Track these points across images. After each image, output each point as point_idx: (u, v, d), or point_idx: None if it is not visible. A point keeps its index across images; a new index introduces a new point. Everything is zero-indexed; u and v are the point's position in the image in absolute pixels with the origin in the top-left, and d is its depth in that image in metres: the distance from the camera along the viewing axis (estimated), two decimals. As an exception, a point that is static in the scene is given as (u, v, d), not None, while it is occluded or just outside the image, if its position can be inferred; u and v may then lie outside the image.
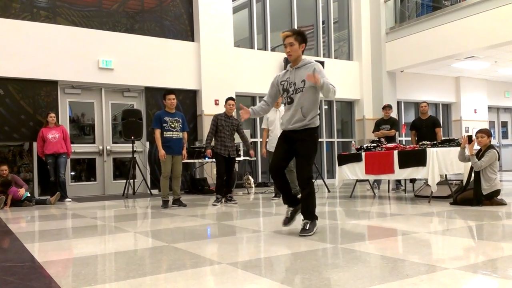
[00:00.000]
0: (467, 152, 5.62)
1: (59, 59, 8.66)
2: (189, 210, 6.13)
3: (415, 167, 6.21)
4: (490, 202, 5.44)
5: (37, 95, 8.59)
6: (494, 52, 10.83)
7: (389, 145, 6.95)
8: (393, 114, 9.89)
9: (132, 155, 8.73)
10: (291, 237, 3.73)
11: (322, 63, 4.02)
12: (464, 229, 3.92)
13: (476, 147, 5.63)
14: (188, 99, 10.09)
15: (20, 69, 8.34)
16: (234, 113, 7.23)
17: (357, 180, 7.45)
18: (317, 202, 4.19)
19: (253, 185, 9.51)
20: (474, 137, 5.68)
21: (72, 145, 8.50)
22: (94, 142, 9.30)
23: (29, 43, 8.41)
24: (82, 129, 9.36)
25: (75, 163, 9.11)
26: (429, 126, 8.11)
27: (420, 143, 6.60)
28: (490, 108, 15.20)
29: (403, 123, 12.14)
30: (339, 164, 7.31)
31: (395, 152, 6.48)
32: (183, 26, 10.16)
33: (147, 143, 9.57)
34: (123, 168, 9.55)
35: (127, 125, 8.73)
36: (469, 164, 5.65)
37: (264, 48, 11.32)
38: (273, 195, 7.45)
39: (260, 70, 10.91)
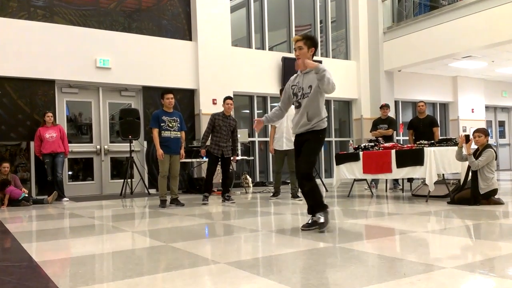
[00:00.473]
0: (464, 152, 5.63)
1: (56, 58, 8.63)
2: (186, 209, 6.13)
3: (412, 166, 6.22)
4: (487, 202, 5.46)
5: (34, 94, 8.57)
6: (492, 51, 10.85)
7: (386, 144, 6.96)
8: (391, 113, 9.89)
9: (129, 155, 8.72)
10: (289, 236, 3.73)
11: (319, 62, 4.04)
12: (462, 229, 3.93)
13: (474, 146, 5.64)
14: (186, 99, 10.08)
15: (17, 68, 8.31)
16: (232, 113, 7.20)
17: (355, 180, 7.46)
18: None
19: (251, 185, 9.50)
20: (471, 136, 5.69)
21: (69, 144, 8.48)
22: (91, 142, 9.28)
23: (26, 42, 8.38)
24: (80, 128, 9.34)
25: (73, 162, 9.09)
26: (427, 126, 8.13)
27: (418, 142, 6.61)
28: (487, 107, 15.23)
29: (400, 122, 12.16)
30: (337, 164, 7.32)
31: (393, 152, 6.49)
32: (180, 25, 10.15)
33: (145, 143, 9.56)
34: (121, 168, 9.54)
35: (125, 124, 8.72)
36: (467, 163, 5.66)
37: (262, 47, 11.32)
38: (271, 194, 7.45)
39: (257, 69, 10.91)
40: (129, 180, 8.75)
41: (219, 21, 10.26)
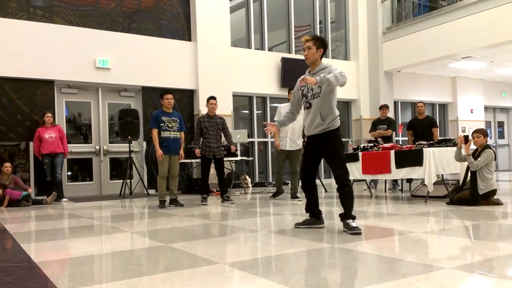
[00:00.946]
0: (463, 152, 5.64)
1: (55, 59, 8.63)
2: (186, 210, 6.13)
3: (411, 167, 6.22)
4: (486, 202, 5.46)
5: (33, 95, 8.56)
6: (491, 52, 10.86)
7: (386, 145, 6.96)
8: (390, 114, 9.91)
9: (129, 155, 8.72)
10: (288, 237, 3.73)
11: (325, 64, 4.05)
12: (461, 229, 3.93)
13: (473, 147, 5.65)
14: (185, 99, 10.08)
15: (17, 69, 8.31)
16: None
17: (354, 180, 7.46)
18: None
19: (250, 185, 9.50)
20: (470, 137, 5.69)
21: (68, 145, 8.48)
22: (90, 142, 9.28)
23: (25, 42, 8.38)
24: (79, 129, 9.34)
25: (72, 163, 9.08)
26: (426, 126, 8.14)
27: (417, 143, 6.62)
28: (486, 108, 15.24)
29: (400, 123, 12.16)
30: (336, 164, 7.29)
31: (392, 152, 6.49)
32: (180, 26, 10.15)
33: (144, 143, 9.55)
34: (120, 168, 9.54)
35: (124, 125, 8.71)
36: (466, 164, 5.67)
37: (261, 48, 11.32)
38: (271, 194, 7.44)
39: (257, 70, 10.91)
40: (128, 180, 8.75)
41: (219, 22, 10.26)
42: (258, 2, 11.30)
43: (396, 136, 11.71)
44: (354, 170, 6.95)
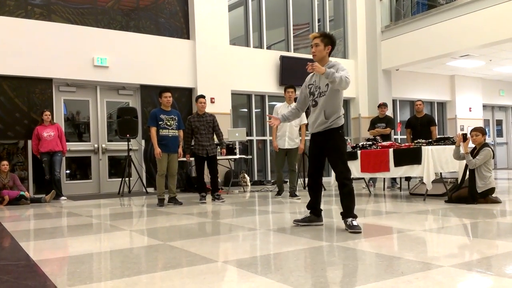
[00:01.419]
0: (462, 150, 5.65)
1: (54, 57, 8.61)
2: (184, 208, 6.13)
3: (410, 165, 6.23)
4: (484, 200, 5.47)
5: (31, 93, 8.54)
6: (489, 50, 10.87)
7: (384, 143, 6.96)
8: (389, 112, 9.92)
9: (127, 153, 8.71)
10: (287, 235, 3.73)
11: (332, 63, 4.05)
12: (459, 227, 3.94)
13: (471, 145, 5.66)
14: (184, 97, 10.07)
15: (15, 67, 8.29)
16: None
17: (353, 178, 7.45)
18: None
19: (249, 183, 9.50)
20: (468, 135, 5.70)
21: (67, 143, 8.47)
22: (89, 140, 9.27)
23: (23, 40, 8.36)
24: (77, 127, 9.33)
25: (70, 161, 9.07)
26: (424, 125, 8.14)
27: (415, 141, 6.62)
28: (485, 106, 15.26)
29: (398, 121, 12.17)
30: (335, 162, 7.31)
31: (391, 150, 6.50)
32: (178, 24, 10.13)
33: (143, 141, 9.55)
34: (119, 166, 9.53)
35: (123, 123, 8.70)
36: (464, 162, 5.68)
37: (260, 46, 11.30)
38: (275, 193, 7.43)
39: (255, 68, 10.90)
40: (127, 179, 8.75)
41: (217, 20, 10.24)
42: (256, 0, 11.29)
43: (394, 135, 11.71)
44: (353, 168, 6.94)
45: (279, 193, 7.31)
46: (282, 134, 7.12)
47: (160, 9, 9.93)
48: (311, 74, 4.16)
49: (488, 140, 14.79)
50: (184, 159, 7.04)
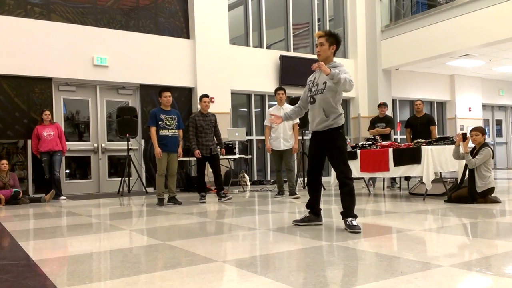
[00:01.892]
0: (461, 150, 5.65)
1: (53, 56, 8.61)
2: (184, 208, 6.13)
3: (410, 165, 6.24)
4: (484, 200, 5.47)
5: (31, 92, 8.54)
6: (489, 50, 10.87)
7: (384, 143, 6.97)
8: (388, 112, 9.92)
9: (127, 153, 8.71)
10: (286, 235, 3.73)
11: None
12: (459, 227, 3.94)
13: (471, 145, 5.66)
14: (184, 97, 10.07)
15: (14, 66, 8.29)
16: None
17: (353, 178, 7.46)
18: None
19: (248, 183, 9.50)
20: (468, 135, 5.70)
21: (67, 142, 8.47)
22: (89, 140, 9.26)
23: (23, 40, 8.36)
24: (77, 126, 9.32)
25: (70, 160, 9.07)
26: (424, 124, 8.14)
27: (415, 141, 6.62)
28: (484, 106, 15.27)
29: (398, 121, 12.17)
30: (335, 162, 7.31)
31: (390, 150, 6.50)
32: (178, 23, 10.13)
33: (142, 141, 9.55)
34: (118, 166, 9.53)
35: (122, 122, 8.70)
36: (464, 162, 5.68)
37: (260, 45, 11.30)
38: (276, 193, 7.44)
39: (255, 67, 10.90)
40: (126, 178, 8.75)
41: (217, 19, 10.24)
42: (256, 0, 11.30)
43: (394, 134, 11.72)
44: (353, 168, 6.93)
45: (279, 193, 7.32)
46: (277, 135, 7.14)
47: (160, 9, 9.92)
48: (314, 72, 4.15)
49: (488, 140, 14.79)
50: (185, 158, 7.03)
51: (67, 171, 9.04)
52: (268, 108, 11.28)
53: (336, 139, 3.93)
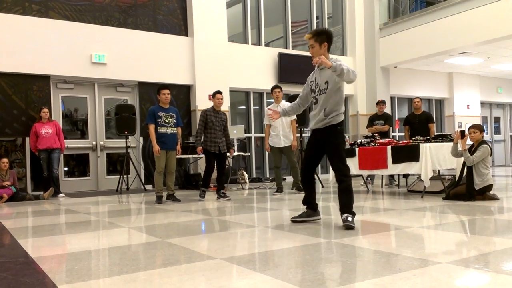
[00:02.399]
0: (459, 147, 5.66)
1: (51, 54, 8.59)
2: (183, 205, 6.13)
3: (408, 162, 6.24)
4: (482, 197, 5.48)
5: (29, 90, 8.53)
6: (487, 48, 10.88)
7: (382, 140, 6.97)
8: (387, 109, 9.92)
9: (125, 151, 8.70)
10: (284, 232, 3.74)
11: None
12: (457, 224, 3.95)
13: (469, 142, 5.66)
14: (182, 94, 10.06)
15: (12, 64, 8.27)
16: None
17: (351, 175, 7.46)
18: (311, 197, 4.23)
19: (247, 181, 9.51)
20: (466, 132, 5.71)
21: (65, 140, 8.46)
22: (87, 137, 9.26)
23: (21, 37, 8.34)
24: (75, 124, 9.31)
25: (68, 158, 9.06)
26: (423, 122, 8.15)
27: (413, 138, 6.63)
28: (482, 103, 15.29)
29: (396, 118, 12.18)
30: (333, 160, 7.32)
31: (389, 148, 6.50)
32: (176, 21, 10.11)
33: (141, 139, 9.54)
34: (117, 164, 9.52)
35: (121, 120, 8.69)
36: (462, 159, 5.69)
37: (258, 43, 11.29)
38: (274, 190, 7.45)
39: (254, 65, 10.89)
40: (125, 176, 8.74)
41: (215, 17, 10.22)
42: (255, -3, 11.27)
43: (393, 132, 11.73)
44: (351, 165, 6.95)
45: (277, 191, 7.33)
46: (277, 133, 7.20)
47: (158, 6, 9.90)
48: (313, 71, 4.15)
49: (486, 137, 14.80)
50: (183, 156, 7.02)
51: (66, 168, 9.03)
52: (267, 106, 11.29)
53: (334, 136, 3.93)
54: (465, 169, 5.61)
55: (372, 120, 8.66)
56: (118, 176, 8.78)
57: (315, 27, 12.14)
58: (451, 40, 10.42)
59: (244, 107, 11.28)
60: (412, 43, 11.30)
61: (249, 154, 10.77)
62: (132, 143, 9.24)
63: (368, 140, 7.12)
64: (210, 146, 6.68)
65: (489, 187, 5.52)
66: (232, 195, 7.40)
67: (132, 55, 9.37)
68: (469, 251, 2.86)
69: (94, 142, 9.25)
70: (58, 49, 8.65)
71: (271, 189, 8.20)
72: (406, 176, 8.17)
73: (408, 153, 6.24)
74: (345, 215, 3.83)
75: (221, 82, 10.11)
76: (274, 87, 7.31)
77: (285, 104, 6.85)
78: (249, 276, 2.38)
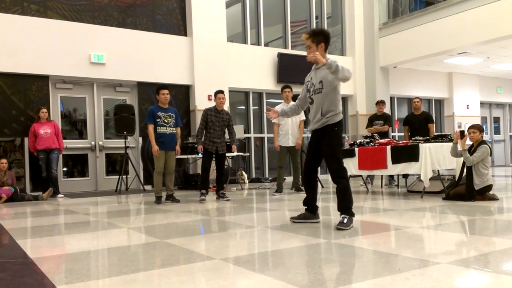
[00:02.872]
0: (459, 148, 5.65)
1: (50, 54, 8.58)
2: (182, 206, 6.12)
3: (407, 162, 6.24)
4: (482, 197, 5.48)
5: (28, 90, 8.51)
6: (487, 48, 10.88)
7: (382, 140, 6.97)
8: (386, 109, 9.92)
9: (124, 151, 8.69)
10: (284, 232, 3.73)
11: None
12: (456, 224, 3.95)
13: (468, 142, 5.66)
14: (181, 94, 10.05)
15: (11, 64, 8.25)
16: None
17: (350, 176, 7.46)
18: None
19: (246, 181, 9.50)
20: (466, 132, 5.71)
21: (64, 140, 8.45)
22: (86, 138, 9.24)
23: (19, 37, 8.32)
24: (74, 124, 9.29)
25: (67, 158, 9.05)
26: (422, 122, 8.15)
27: (413, 138, 6.63)
28: (482, 103, 15.29)
29: (396, 118, 12.18)
30: (333, 160, 7.32)
31: (388, 148, 6.50)
32: (175, 21, 10.10)
33: (140, 139, 9.53)
34: (116, 164, 9.51)
35: (120, 120, 8.68)
36: (461, 159, 5.68)
37: (257, 43, 11.29)
38: (274, 190, 7.46)
39: (253, 65, 10.89)
40: (124, 176, 8.73)
41: (214, 17, 10.22)
42: (254, -3, 11.27)
43: (392, 132, 11.73)
44: (351, 165, 6.96)
45: (277, 191, 7.33)
46: (285, 132, 7.26)
47: (157, 6, 9.89)
48: (310, 72, 4.15)
49: (486, 137, 14.81)
50: (182, 156, 7.00)
51: (65, 169, 9.02)
52: (267, 105, 11.29)
53: (329, 136, 3.92)
54: (465, 169, 5.61)
55: (371, 120, 8.66)
56: (117, 177, 8.77)
57: (314, 27, 12.14)
58: (450, 40, 10.42)
59: (243, 107, 11.28)
60: (412, 43, 11.30)
61: (248, 154, 10.77)
62: (131, 143, 9.23)
63: (368, 140, 7.12)
64: (208, 145, 6.63)
65: (489, 187, 5.52)
66: (232, 195, 7.39)
67: (131, 55, 9.36)
68: (469, 251, 2.86)
69: (93, 143, 9.24)
70: (56, 49, 8.63)
71: (271, 189, 8.19)
72: (405, 176, 8.16)
73: (407, 153, 6.24)
74: (342, 216, 3.82)
75: (220, 82, 10.10)
76: (284, 87, 7.37)
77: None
78: (249, 277, 2.37)
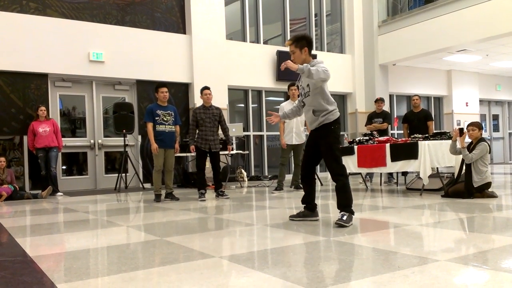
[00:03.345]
0: (458, 145, 5.66)
1: (49, 52, 8.56)
2: (181, 204, 6.12)
3: (407, 160, 6.24)
4: (481, 195, 5.49)
5: (27, 88, 8.50)
6: (486, 45, 10.87)
7: (381, 138, 6.97)
8: (386, 107, 9.92)
9: (124, 149, 8.69)
10: (283, 230, 3.74)
11: (314, 56, 4.06)
12: (455, 222, 3.95)
13: (468, 140, 5.67)
14: (180, 92, 10.04)
15: (10, 62, 8.24)
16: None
17: (350, 173, 7.45)
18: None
19: (246, 179, 9.50)
20: (465, 130, 5.71)
21: (63, 138, 8.44)
22: (85, 136, 9.23)
23: (18, 35, 8.30)
24: (73, 122, 9.29)
25: (66, 157, 9.04)
26: (421, 119, 8.16)
27: (412, 136, 6.63)
28: (481, 101, 15.29)
29: (395, 116, 12.18)
30: (332, 157, 7.33)
31: (387, 145, 6.50)
32: (174, 19, 10.08)
33: (139, 137, 9.52)
34: (115, 162, 9.50)
35: (119, 118, 8.67)
36: (461, 157, 5.69)
37: (257, 41, 11.27)
38: (273, 188, 7.47)
39: (252, 63, 10.87)
40: (123, 174, 8.73)
41: (214, 15, 10.20)
42: (253, -6, 11.25)
43: (391, 130, 11.74)
44: (350, 163, 6.97)
45: (277, 188, 7.33)
46: (289, 130, 7.33)
47: (156, 4, 9.87)
48: (299, 77, 4.19)
49: (485, 134, 14.81)
50: (182, 154, 6.99)
51: (64, 167, 9.01)
52: (266, 104, 11.30)
53: (327, 135, 3.96)
54: (464, 167, 5.61)
55: (370, 118, 8.66)
56: (117, 175, 8.77)
57: (313, 25, 12.14)
58: (450, 37, 10.42)
59: (242, 105, 11.27)
60: (411, 40, 11.29)
61: (247, 152, 10.77)
62: (130, 141, 9.22)
63: (367, 138, 7.12)
64: (201, 144, 6.54)
65: (488, 184, 5.52)
66: (231, 193, 7.40)
67: (130, 53, 9.34)
68: (468, 248, 2.86)
69: (92, 141, 9.24)
70: (55, 47, 8.62)
71: (270, 187, 8.19)
72: (405, 174, 8.17)
73: (406, 151, 6.25)
74: (341, 213, 3.83)
75: (219, 80, 10.10)
76: (291, 84, 7.39)
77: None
78: (248, 274, 2.37)
